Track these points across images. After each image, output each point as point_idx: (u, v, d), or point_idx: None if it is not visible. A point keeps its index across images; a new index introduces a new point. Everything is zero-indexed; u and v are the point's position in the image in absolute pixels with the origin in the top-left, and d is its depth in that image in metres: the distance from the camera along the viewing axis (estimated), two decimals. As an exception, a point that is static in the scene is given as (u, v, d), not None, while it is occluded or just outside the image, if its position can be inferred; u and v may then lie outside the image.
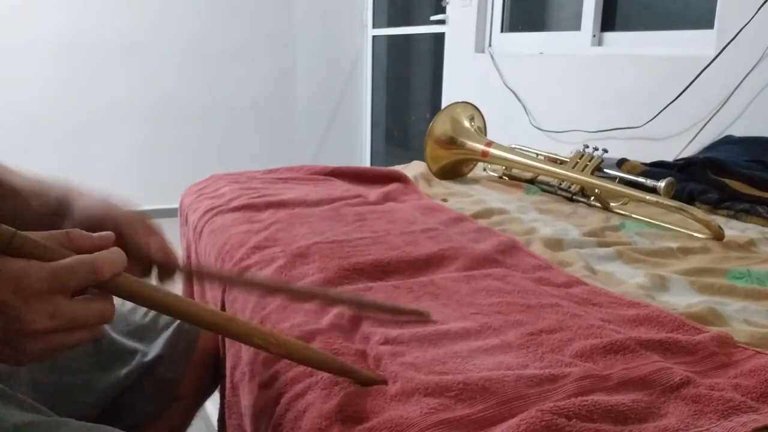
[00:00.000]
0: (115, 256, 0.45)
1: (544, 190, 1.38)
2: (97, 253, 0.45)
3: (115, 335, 0.76)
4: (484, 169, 1.59)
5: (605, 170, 1.28)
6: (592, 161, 1.27)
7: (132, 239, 0.61)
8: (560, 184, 1.33)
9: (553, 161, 1.38)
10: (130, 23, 3.18)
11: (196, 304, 0.49)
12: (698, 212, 1.07)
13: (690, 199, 1.24)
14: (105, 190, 0.65)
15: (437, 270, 0.82)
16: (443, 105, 2.68)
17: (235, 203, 1.12)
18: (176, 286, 0.88)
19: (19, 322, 0.41)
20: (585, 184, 1.25)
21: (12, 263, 0.42)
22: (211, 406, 1.08)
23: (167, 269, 0.64)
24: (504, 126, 2.19)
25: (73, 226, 0.59)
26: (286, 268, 0.80)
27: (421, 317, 0.65)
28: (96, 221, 0.61)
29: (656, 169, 1.39)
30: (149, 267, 0.64)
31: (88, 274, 0.43)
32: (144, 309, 0.81)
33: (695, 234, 1.05)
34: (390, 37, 3.63)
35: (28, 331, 0.42)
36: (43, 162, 3.04)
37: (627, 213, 1.20)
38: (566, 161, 1.32)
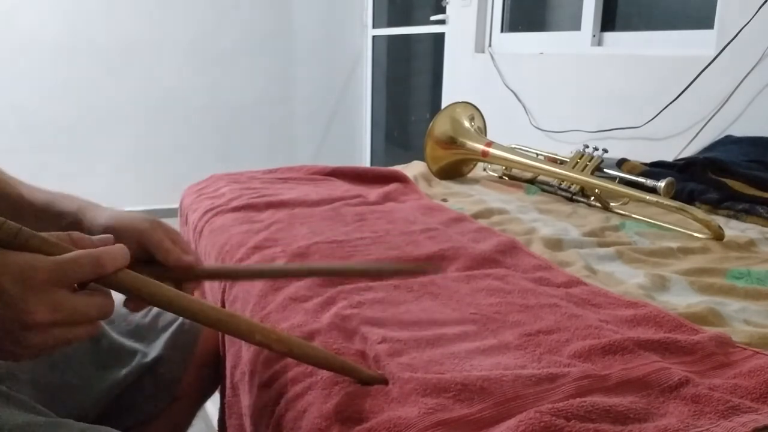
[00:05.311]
0: (118, 251, 0.45)
1: (544, 190, 1.38)
2: (101, 248, 0.45)
3: (115, 335, 0.76)
4: (484, 169, 1.59)
5: (605, 170, 1.28)
6: (592, 161, 1.27)
7: (157, 248, 0.60)
8: (560, 184, 1.33)
9: (553, 161, 1.38)
10: (130, 23, 3.18)
11: (197, 301, 0.49)
12: (698, 212, 1.07)
13: (690, 199, 1.24)
14: (111, 204, 0.64)
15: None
16: (443, 105, 2.68)
17: (235, 203, 1.12)
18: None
19: (23, 313, 0.42)
20: (585, 184, 1.25)
21: (17, 256, 0.42)
22: (211, 406, 1.08)
23: (193, 274, 0.63)
24: (504, 126, 2.18)
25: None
26: (286, 268, 0.80)
27: (423, 270, 0.63)
28: (115, 233, 0.60)
29: (656, 169, 1.39)
30: (174, 277, 0.61)
31: (92, 267, 0.44)
32: (144, 309, 0.81)
33: (695, 234, 1.05)
34: (390, 37, 3.63)
35: (30, 322, 0.42)
36: (43, 162, 3.05)
37: (627, 213, 1.20)
38: (566, 161, 1.32)
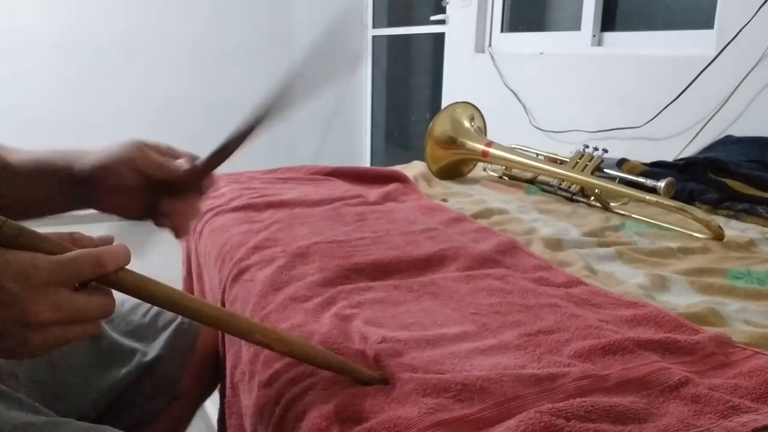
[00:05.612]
0: (118, 250, 0.46)
1: (544, 190, 1.38)
2: (102, 247, 0.45)
3: (114, 335, 0.76)
4: (484, 169, 1.59)
5: (605, 170, 1.28)
6: (592, 161, 1.27)
7: (155, 169, 0.61)
8: (560, 184, 1.33)
9: (553, 161, 1.38)
10: (131, 23, 3.18)
11: (198, 300, 0.49)
12: (698, 212, 1.07)
13: (690, 199, 1.24)
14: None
15: (437, 270, 0.82)
16: (443, 105, 2.68)
17: (235, 203, 1.12)
18: (177, 283, 0.88)
19: (25, 313, 0.42)
20: (585, 184, 1.25)
21: (19, 255, 0.42)
22: (211, 406, 1.08)
23: (197, 174, 0.64)
24: (504, 126, 2.19)
25: (86, 182, 0.59)
26: (286, 268, 0.80)
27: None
28: (112, 169, 0.60)
29: (656, 169, 1.39)
30: (188, 185, 0.63)
31: (93, 266, 0.44)
32: (143, 309, 0.82)
33: (695, 234, 1.05)
34: (390, 37, 3.63)
35: (32, 322, 0.42)
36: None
37: (627, 213, 1.20)
38: (566, 161, 1.32)
